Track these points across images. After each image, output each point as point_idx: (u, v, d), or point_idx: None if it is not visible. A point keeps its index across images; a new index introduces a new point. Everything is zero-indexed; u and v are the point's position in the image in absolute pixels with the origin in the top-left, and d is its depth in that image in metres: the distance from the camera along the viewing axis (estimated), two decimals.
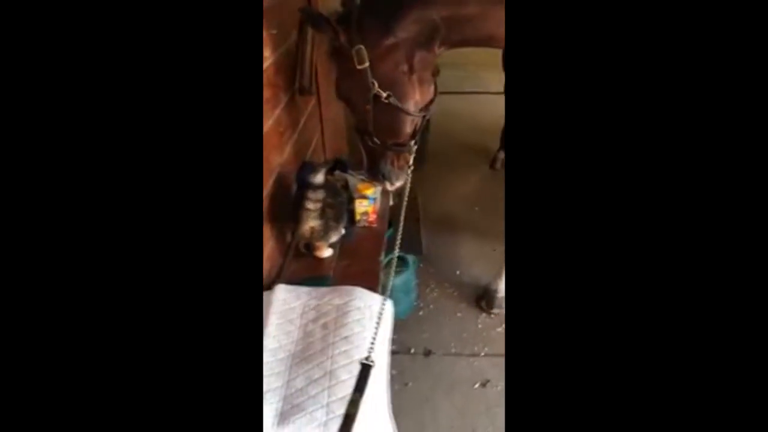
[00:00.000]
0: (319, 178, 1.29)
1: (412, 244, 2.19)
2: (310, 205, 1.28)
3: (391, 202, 2.66)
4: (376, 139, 1.29)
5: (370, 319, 1.19)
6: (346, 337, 1.12)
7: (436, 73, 2.90)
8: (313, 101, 1.92)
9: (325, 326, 1.15)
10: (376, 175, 1.38)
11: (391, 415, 1.06)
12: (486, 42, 1.26)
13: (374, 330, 1.15)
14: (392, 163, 1.37)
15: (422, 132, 2.91)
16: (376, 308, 1.24)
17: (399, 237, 1.51)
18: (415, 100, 1.28)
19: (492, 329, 1.76)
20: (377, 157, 1.35)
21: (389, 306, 1.29)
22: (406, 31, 1.17)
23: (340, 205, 1.39)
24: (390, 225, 2.20)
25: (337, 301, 1.22)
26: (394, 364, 1.64)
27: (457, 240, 2.26)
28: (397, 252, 1.48)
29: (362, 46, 1.15)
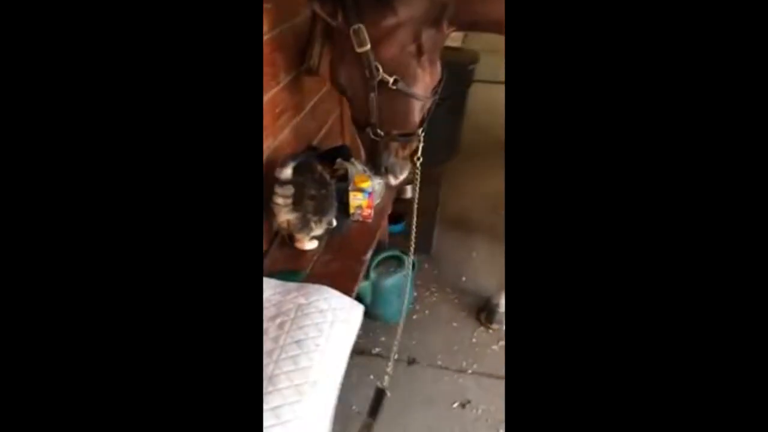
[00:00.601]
0: (287, 173, 1.20)
1: (421, 242, 2.07)
2: (279, 200, 1.21)
3: (409, 194, 2.56)
4: (379, 131, 1.17)
5: (331, 323, 1.12)
6: (298, 341, 1.05)
7: (476, 59, 2.71)
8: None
9: (281, 326, 1.09)
10: (378, 168, 1.27)
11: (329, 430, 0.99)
12: (497, 27, 1.11)
13: (331, 336, 1.07)
14: (396, 154, 1.24)
15: (455, 121, 2.77)
16: (341, 313, 1.16)
17: (414, 237, 1.39)
18: (424, 84, 1.14)
19: (486, 346, 1.63)
20: (380, 149, 1.23)
21: (358, 311, 1.21)
22: (411, 7, 1.03)
23: (323, 197, 1.30)
24: (398, 219, 2.10)
25: (301, 300, 1.15)
26: (372, 368, 1.57)
27: (471, 243, 2.12)
28: (412, 254, 1.36)
29: (361, 26, 1.02)
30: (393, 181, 1.31)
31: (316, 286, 1.20)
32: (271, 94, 1.38)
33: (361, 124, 1.20)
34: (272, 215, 1.27)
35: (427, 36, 1.08)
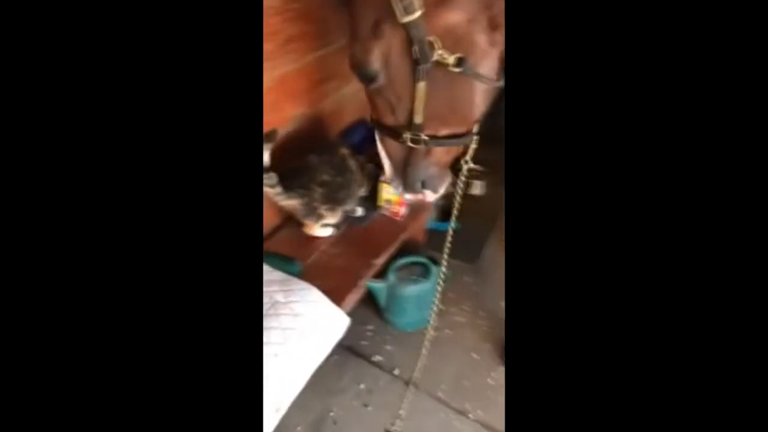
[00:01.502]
0: (264, 159, 1.02)
1: (468, 248, 1.82)
2: (266, 189, 1.05)
3: (477, 191, 2.28)
4: (424, 135, 0.87)
5: (301, 332, 0.98)
6: None
7: None
8: None
9: None
10: (413, 184, 0.98)
11: None
12: None
13: (297, 346, 0.94)
14: (438, 163, 0.95)
15: None
16: (320, 322, 1.01)
17: (448, 245, 1.15)
18: (493, 65, 0.83)
19: (501, 392, 1.39)
20: (417, 158, 0.93)
21: (341, 324, 1.06)
22: None
23: (338, 185, 1.14)
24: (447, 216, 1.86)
25: (278, 297, 1.03)
26: (366, 378, 1.42)
27: None
28: (444, 265, 1.14)
29: None
30: (431, 198, 1.02)
31: (303, 285, 1.06)
32: (312, 57, 1.22)
33: (396, 128, 0.89)
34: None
35: (501, 6, 0.76)
